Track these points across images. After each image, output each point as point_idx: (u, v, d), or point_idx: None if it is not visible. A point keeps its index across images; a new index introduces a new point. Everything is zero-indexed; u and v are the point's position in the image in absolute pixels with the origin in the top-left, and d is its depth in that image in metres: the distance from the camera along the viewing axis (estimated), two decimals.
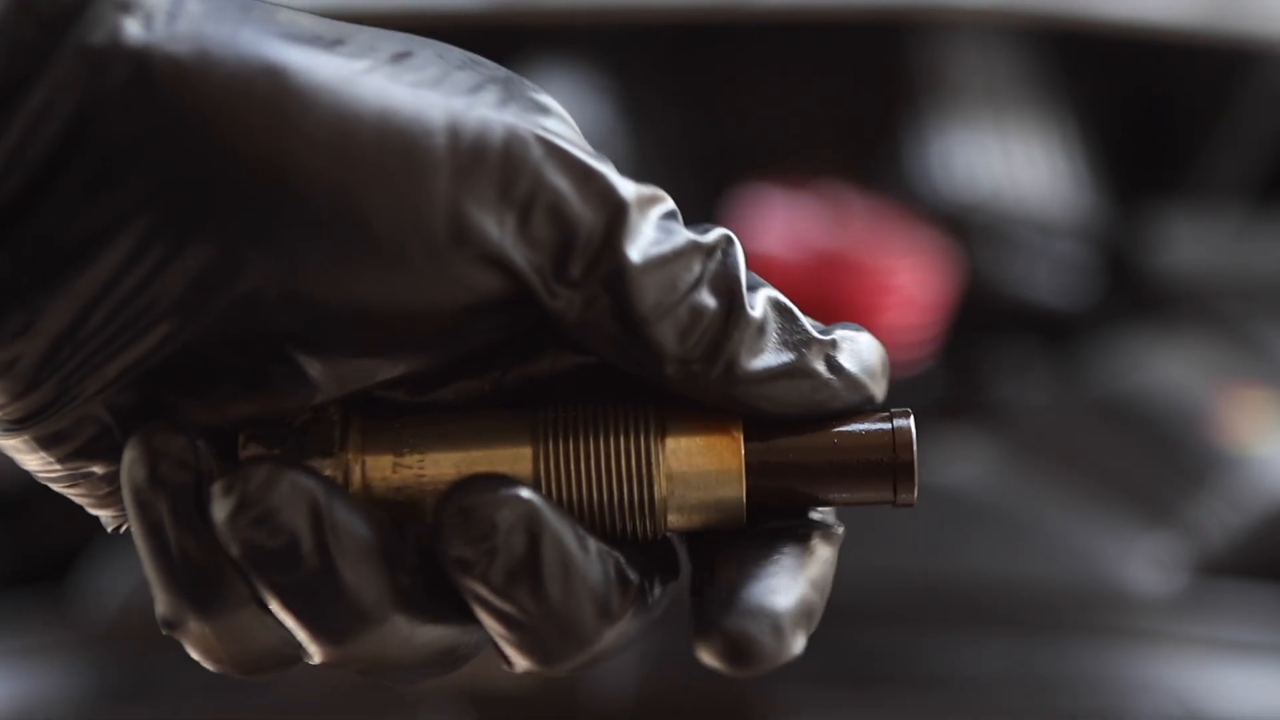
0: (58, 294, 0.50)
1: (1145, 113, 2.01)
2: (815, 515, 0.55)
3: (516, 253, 0.51)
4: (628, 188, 0.51)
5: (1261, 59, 1.90)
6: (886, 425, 0.54)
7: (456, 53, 0.52)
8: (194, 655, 0.53)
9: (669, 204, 0.53)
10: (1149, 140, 2.00)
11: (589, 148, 0.52)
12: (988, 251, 1.84)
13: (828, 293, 1.70)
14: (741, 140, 1.93)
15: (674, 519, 0.53)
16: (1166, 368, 1.76)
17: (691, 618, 0.53)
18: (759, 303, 0.53)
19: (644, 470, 0.52)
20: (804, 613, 0.52)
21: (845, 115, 1.93)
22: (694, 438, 0.52)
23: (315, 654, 0.52)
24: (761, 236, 1.73)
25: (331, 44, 0.50)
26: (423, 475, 0.52)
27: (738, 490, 0.53)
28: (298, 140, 0.49)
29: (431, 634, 0.52)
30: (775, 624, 0.51)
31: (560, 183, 0.51)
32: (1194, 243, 1.90)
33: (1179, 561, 1.54)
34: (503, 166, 0.50)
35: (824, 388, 0.53)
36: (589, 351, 0.53)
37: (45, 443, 0.53)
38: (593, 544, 0.52)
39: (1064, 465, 1.63)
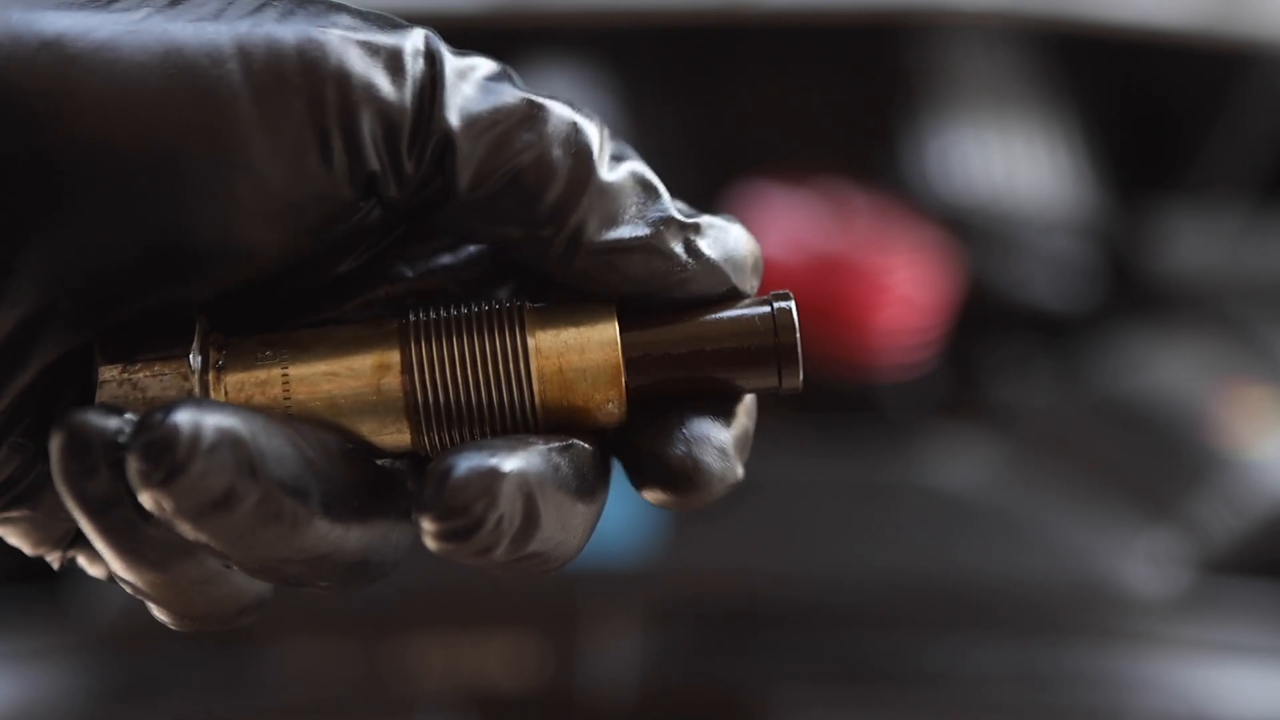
0: None
1: (1146, 113, 2.01)
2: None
3: (344, 159, 0.49)
4: (440, 57, 0.49)
5: (1261, 59, 1.89)
6: (766, 309, 0.51)
7: None
8: (162, 618, 0.51)
9: (493, 66, 0.50)
10: (1150, 140, 2.00)
11: (390, 23, 0.50)
12: (988, 252, 1.83)
13: (828, 292, 1.70)
14: (742, 140, 1.93)
15: (553, 419, 0.50)
16: (1167, 368, 1.76)
17: (626, 465, 0.51)
18: (618, 171, 0.50)
19: (518, 369, 0.50)
20: (744, 438, 0.51)
21: (845, 115, 1.93)
22: (567, 331, 0.50)
23: (245, 572, 0.50)
24: (761, 237, 1.73)
25: (106, 2, 0.48)
26: (289, 392, 0.50)
27: (616, 385, 0.50)
28: (88, 109, 0.47)
29: (360, 535, 0.49)
30: (721, 447, 0.50)
31: (365, 73, 0.48)
32: (1195, 242, 1.90)
33: (1180, 561, 1.54)
34: (304, 75, 0.48)
35: (679, 270, 0.51)
36: (447, 232, 0.51)
37: None
38: (564, 461, 0.49)
39: (1065, 465, 1.63)
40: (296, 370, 0.50)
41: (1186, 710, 1.44)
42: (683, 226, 0.51)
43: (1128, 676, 1.46)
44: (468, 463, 0.47)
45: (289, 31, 0.48)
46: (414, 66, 0.49)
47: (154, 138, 0.48)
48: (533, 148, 0.49)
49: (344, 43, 0.49)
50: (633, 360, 0.51)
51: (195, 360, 0.50)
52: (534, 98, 0.50)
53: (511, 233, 0.50)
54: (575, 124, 0.50)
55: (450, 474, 0.47)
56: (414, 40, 0.50)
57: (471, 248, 0.54)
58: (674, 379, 0.51)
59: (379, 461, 0.51)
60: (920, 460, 1.64)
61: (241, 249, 0.49)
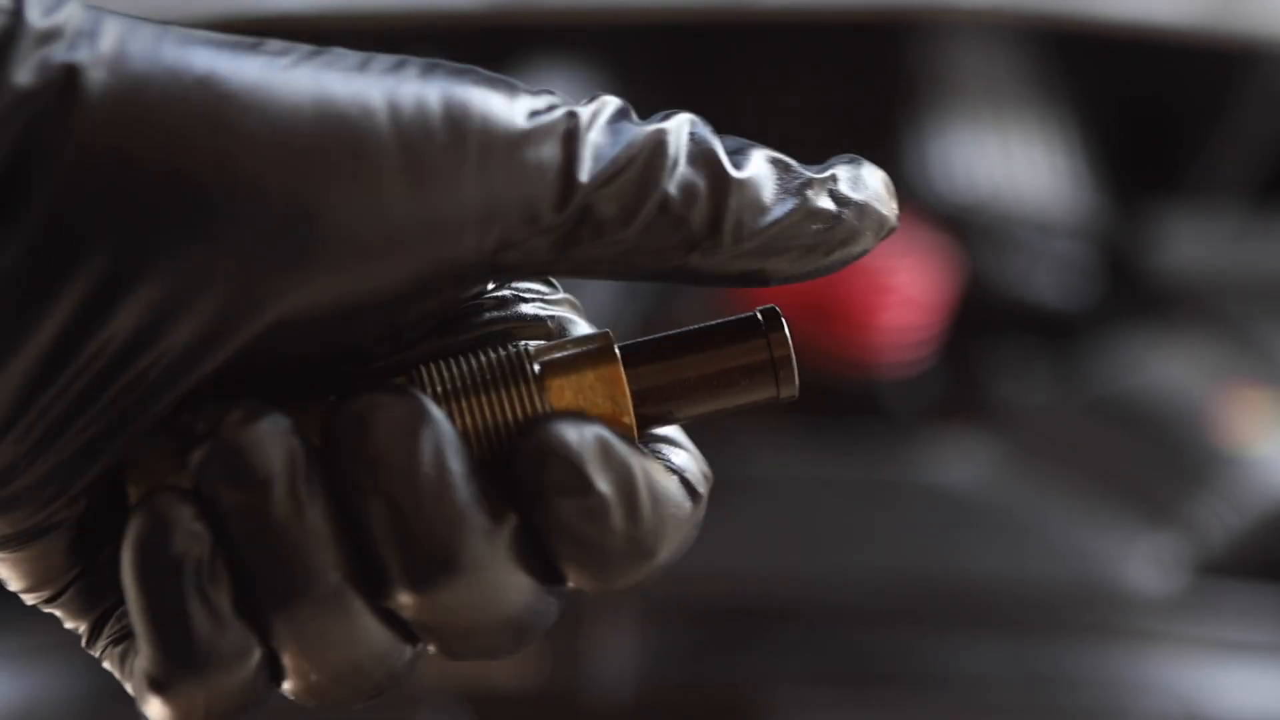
0: (14, 347, 0.48)
1: (1145, 113, 2.01)
2: None
3: (485, 219, 0.50)
4: (575, 110, 0.51)
5: (1261, 59, 1.90)
6: (757, 326, 0.53)
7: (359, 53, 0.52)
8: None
9: (614, 104, 0.52)
10: (1149, 140, 2.00)
11: (522, 86, 0.51)
12: (988, 251, 1.84)
13: (827, 293, 1.70)
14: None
15: None
16: (1166, 368, 1.76)
17: None
18: (749, 161, 0.52)
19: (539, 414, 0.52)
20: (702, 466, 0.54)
21: (846, 115, 1.93)
22: (574, 376, 0.52)
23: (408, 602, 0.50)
24: None
25: (252, 46, 0.50)
26: None
27: (627, 421, 0.52)
28: (241, 143, 0.49)
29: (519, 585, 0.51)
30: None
31: (507, 131, 0.50)
32: (1194, 243, 1.90)
33: (1179, 561, 1.54)
34: (450, 132, 0.50)
35: (836, 223, 0.53)
36: (584, 275, 0.53)
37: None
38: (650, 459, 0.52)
39: (1064, 465, 1.63)
40: None
41: (1184, 710, 1.44)
42: (822, 182, 0.53)
43: (1127, 676, 1.46)
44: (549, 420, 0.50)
45: (434, 89, 0.50)
46: (551, 122, 0.51)
47: (302, 178, 0.49)
48: (669, 173, 0.51)
49: (485, 101, 0.50)
50: (637, 393, 0.52)
51: None
52: (660, 125, 0.52)
53: (674, 258, 0.51)
54: (696, 138, 0.52)
55: (544, 426, 0.50)
56: (551, 98, 0.51)
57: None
58: (677, 404, 0.53)
59: None
60: (920, 460, 1.65)
61: (363, 291, 0.50)
